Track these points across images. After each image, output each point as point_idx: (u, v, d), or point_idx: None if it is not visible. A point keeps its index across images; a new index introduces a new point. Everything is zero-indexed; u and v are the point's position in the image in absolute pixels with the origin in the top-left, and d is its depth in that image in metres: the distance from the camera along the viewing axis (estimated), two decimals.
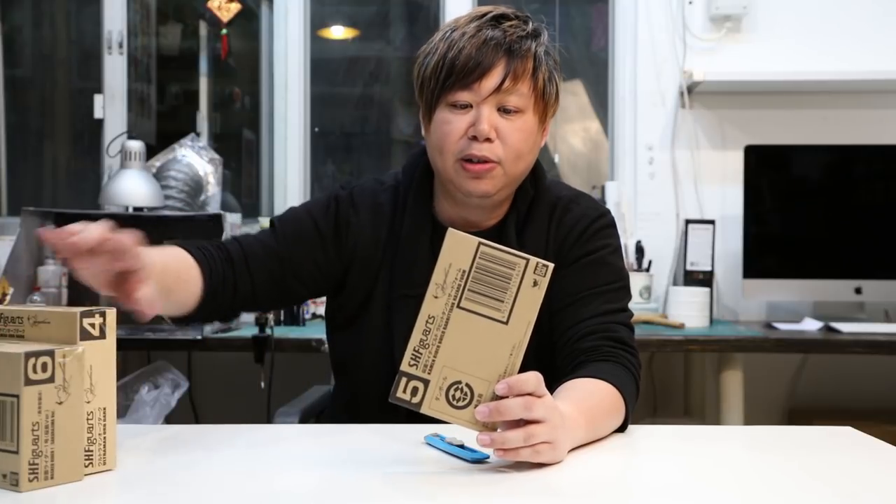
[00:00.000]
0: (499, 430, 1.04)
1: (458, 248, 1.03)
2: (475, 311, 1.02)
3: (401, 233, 1.45)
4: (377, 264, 1.46)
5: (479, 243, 1.03)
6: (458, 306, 1.02)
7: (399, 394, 1.04)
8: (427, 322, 1.03)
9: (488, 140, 1.35)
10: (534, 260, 1.02)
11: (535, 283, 1.01)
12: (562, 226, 1.46)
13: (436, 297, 1.03)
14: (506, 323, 1.01)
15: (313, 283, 1.48)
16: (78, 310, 1.01)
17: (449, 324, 1.03)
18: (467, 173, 1.37)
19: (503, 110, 1.36)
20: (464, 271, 1.02)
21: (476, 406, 1.03)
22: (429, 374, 1.03)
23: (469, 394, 1.03)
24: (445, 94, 1.36)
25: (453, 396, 1.04)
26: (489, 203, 1.42)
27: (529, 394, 1.03)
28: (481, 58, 1.33)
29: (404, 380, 1.04)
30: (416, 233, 1.44)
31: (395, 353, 1.38)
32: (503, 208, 1.46)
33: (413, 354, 1.03)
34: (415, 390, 1.04)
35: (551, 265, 1.02)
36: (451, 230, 1.04)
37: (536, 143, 1.42)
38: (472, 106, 1.36)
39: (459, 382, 1.03)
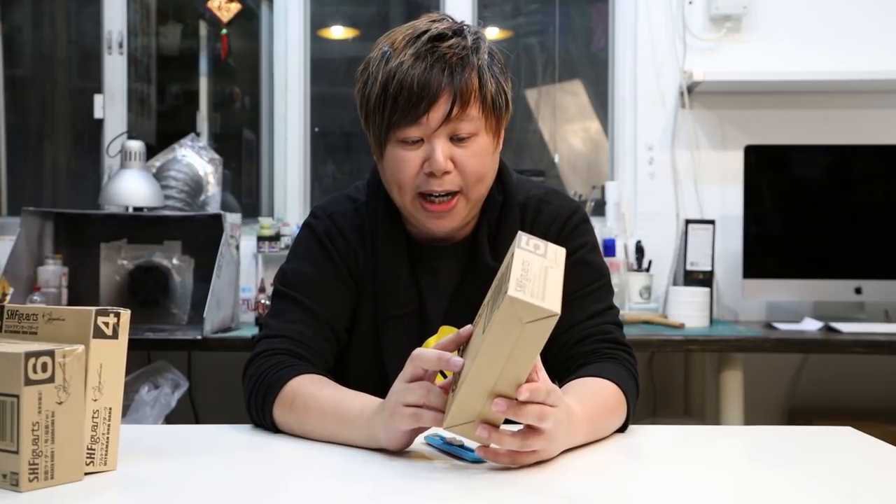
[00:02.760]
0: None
1: (511, 250, 1.03)
2: (488, 313, 1.03)
3: (378, 253, 1.42)
4: (361, 285, 1.43)
5: (513, 253, 1.01)
6: (489, 303, 1.06)
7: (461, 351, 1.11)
8: (484, 306, 1.08)
9: (446, 173, 1.31)
10: (508, 286, 0.96)
11: (500, 307, 0.97)
12: (536, 228, 1.42)
13: (492, 289, 1.08)
14: (483, 332, 1.01)
15: (350, 322, 1.44)
16: (93, 308, 1.01)
17: (483, 316, 1.06)
18: (428, 213, 1.34)
19: (455, 138, 1.31)
20: (502, 273, 1.04)
21: (452, 394, 1.05)
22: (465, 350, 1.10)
23: (457, 381, 1.06)
24: (393, 131, 1.31)
25: (456, 377, 1.07)
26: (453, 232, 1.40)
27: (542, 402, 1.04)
28: (424, 91, 1.27)
29: (464, 346, 1.11)
30: (395, 254, 1.41)
31: (388, 373, 1.37)
32: (472, 221, 1.42)
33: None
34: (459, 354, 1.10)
35: (509, 295, 0.95)
36: (519, 232, 1.04)
37: (494, 157, 1.38)
38: (423, 140, 1.31)
39: (463, 368, 1.05)
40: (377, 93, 1.31)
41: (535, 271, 0.99)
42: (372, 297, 1.42)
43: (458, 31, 1.33)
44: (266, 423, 1.29)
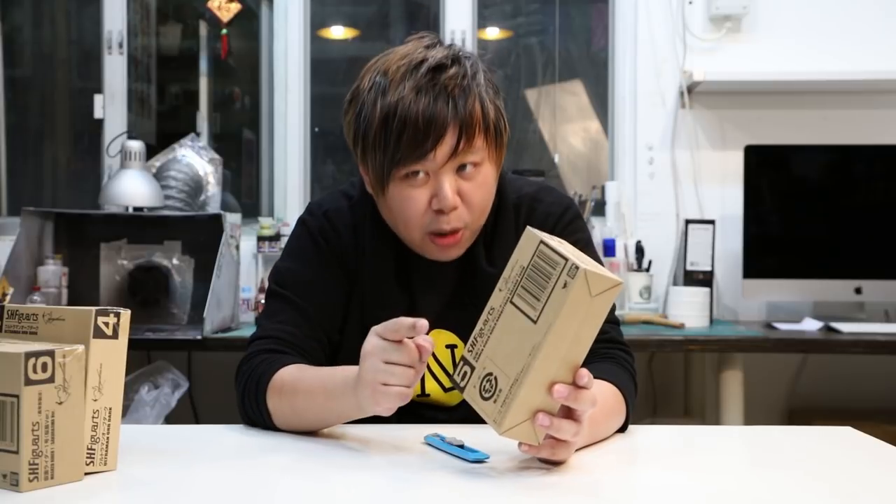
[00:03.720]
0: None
1: (526, 246, 1.05)
2: (520, 308, 1.02)
3: (367, 251, 1.41)
4: (354, 283, 1.42)
5: (541, 241, 1.03)
6: (511, 301, 1.04)
7: (455, 375, 1.08)
8: (488, 313, 1.06)
9: (454, 209, 1.30)
10: (570, 261, 0.98)
11: (565, 285, 0.98)
12: (529, 226, 1.43)
13: (500, 290, 1.06)
14: (535, 322, 1.00)
15: (343, 321, 1.44)
16: (93, 308, 1.01)
17: (501, 317, 1.04)
18: (436, 246, 1.33)
19: (461, 169, 1.30)
20: (523, 268, 1.04)
21: (496, 401, 1.02)
22: (476, 361, 1.06)
23: (494, 387, 1.03)
24: (397, 168, 1.28)
25: (483, 387, 1.05)
26: None
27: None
28: (430, 127, 1.24)
29: (461, 363, 1.08)
30: (384, 252, 1.40)
31: None
32: None
33: (472, 341, 1.07)
34: (464, 374, 1.07)
35: (581, 268, 0.96)
36: (528, 228, 1.05)
37: (496, 182, 1.38)
38: (427, 175, 1.29)
39: (491, 374, 1.04)
40: (376, 128, 1.27)
41: (570, 250, 1.02)
42: (360, 298, 1.42)
43: (455, 58, 1.29)
44: (262, 414, 1.29)
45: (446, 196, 1.28)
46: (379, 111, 1.27)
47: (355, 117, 1.31)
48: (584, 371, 1.02)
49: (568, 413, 1.04)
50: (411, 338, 1.09)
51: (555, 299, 0.98)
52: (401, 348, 1.09)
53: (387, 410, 1.11)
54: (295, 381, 1.26)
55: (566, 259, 0.98)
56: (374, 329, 1.12)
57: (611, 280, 0.99)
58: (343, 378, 1.18)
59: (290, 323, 1.38)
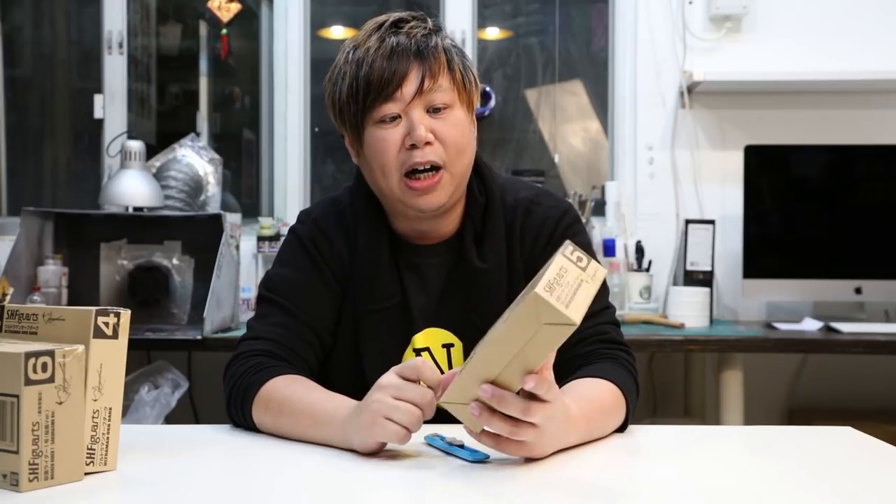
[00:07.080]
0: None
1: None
2: (517, 304, 1.02)
3: (359, 248, 1.42)
4: (345, 286, 1.43)
5: (536, 294, 0.97)
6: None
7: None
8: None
9: (428, 144, 1.32)
10: (539, 286, 0.96)
11: (519, 303, 1.00)
12: (527, 230, 1.42)
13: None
14: (503, 322, 1.02)
15: (335, 324, 1.44)
16: (93, 308, 1.01)
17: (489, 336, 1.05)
18: (414, 191, 1.34)
19: (432, 110, 1.33)
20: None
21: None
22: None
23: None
24: (370, 113, 1.33)
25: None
26: (442, 211, 1.39)
27: (531, 397, 1.05)
28: (394, 66, 1.31)
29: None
30: (375, 247, 1.41)
31: (365, 368, 1.38)
32: (456, 214, 1.42)
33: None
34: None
35: (535, 291, 0.94)
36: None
37: (472, 135, 1.39)
38: (400, 116, 1.33)
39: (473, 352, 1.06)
40: (348, 82, 1.34)
41: (569, 279, 0.99)
42: (353, 294, 1.42)
43: (419, 17, 1.38)
44: (247, 423, 1.30)
45: (418, 130, 1.31)
46: (349, 69, 1.34)
47: (332, 86, 1.38)
48: (533, 377, 1.02)
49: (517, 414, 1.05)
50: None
51: (515, 310, 0.99)
52: (415, 387, 1.09)
53: (374, 445, 1.11)
54: (282, 400, 1.25)
55: (539, 281, 0.96)
56: (394, 368, 1.13)
57: (563, 316, 0.95)
58: (333, 409, 1.19)
59: (280, 325, 1.39)
